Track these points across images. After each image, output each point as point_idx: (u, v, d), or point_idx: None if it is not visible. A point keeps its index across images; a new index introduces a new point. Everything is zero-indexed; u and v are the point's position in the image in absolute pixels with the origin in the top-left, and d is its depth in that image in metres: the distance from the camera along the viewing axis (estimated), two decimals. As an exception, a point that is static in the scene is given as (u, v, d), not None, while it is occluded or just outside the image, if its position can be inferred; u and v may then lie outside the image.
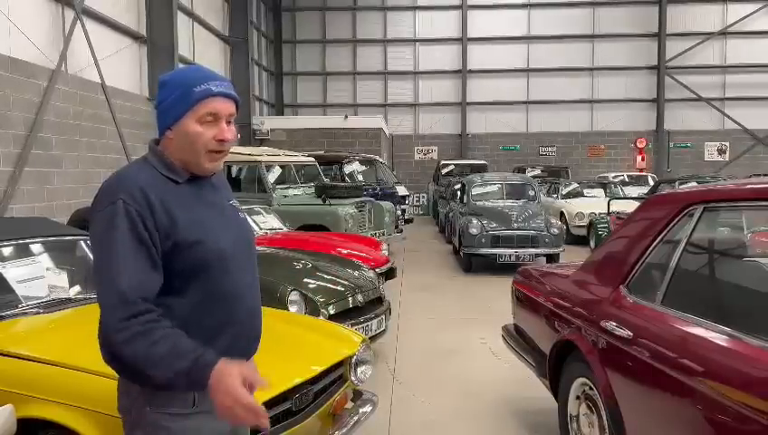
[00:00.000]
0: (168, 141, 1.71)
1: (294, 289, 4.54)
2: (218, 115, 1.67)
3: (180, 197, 1.66)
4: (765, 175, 16.32)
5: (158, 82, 1.75)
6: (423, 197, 22.67)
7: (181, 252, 1.61)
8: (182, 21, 14.30)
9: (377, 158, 16.26)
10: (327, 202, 9.54)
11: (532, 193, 11.30)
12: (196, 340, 1.63)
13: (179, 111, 1.66)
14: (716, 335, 2.21)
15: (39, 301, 3.20)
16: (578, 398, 3.20)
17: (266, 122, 19.80)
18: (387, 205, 11.29)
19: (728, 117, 23.43)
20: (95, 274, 1.59)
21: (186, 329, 1.62)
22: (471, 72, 23.91)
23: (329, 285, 4.95)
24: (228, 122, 1.71)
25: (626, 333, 2.62)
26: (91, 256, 1.71)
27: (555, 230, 9.95)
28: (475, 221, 10.00)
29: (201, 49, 16.11)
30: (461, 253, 10.37)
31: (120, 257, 1.54)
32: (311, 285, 4.82)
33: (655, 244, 2.80)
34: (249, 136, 18.89)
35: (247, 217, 2.01)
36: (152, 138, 1.79)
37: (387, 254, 7.32)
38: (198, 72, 1.73)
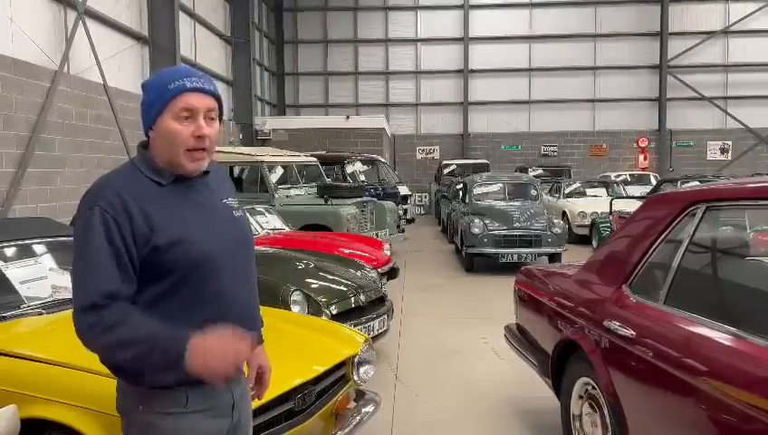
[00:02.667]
0: (152, 142, 1.70)
1: (297, 289, 4.55)
2: (194, 111, 1.64)
3: (163, 199, 1.65)
4: (768, 174, 16.29)
5: (141, 85, 1.75)
6: (425, 196, 22.66)
7: (163, 254, 1.60)
8: (184, 21, 14.31)
9: (379, 158, 16.26)
10: (329, 202, 9.55)
11: (534, 193, 11.28)
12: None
13: (156, 109, 1.64)
14: (720, 335, 2.21)
15: (41, 301, 3.21)
16: (580, 397, 3.20)
17: (268, 123, 19.81)
18: (389, 205, 11.28)
19: (730, 116, 23.38)
20: (71, 276, 1.62)
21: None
22: (473, 71, 23.89)
23: (331, 286, 4.96)
24: (211, 118, 1.68)
25: (629, 332, 2.62)
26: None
27: (557, 230, 9.94)
28: (477, 221, 10.00)
29: (203, 49, 16.12)
30: (463, 253, 10.36)
31: (90, 265, 1.55)
32: (313, 286, 4.82)
33: (657, 243, 2.79)
34: (251, 136, 18.89)
35: (247, 215, 1.99)
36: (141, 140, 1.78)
37: (389, 254, 7.32)
38: (176, 71, 1.70)
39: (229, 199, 1.83)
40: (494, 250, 9.78)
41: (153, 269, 1.60)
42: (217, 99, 1.71)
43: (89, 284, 1.54)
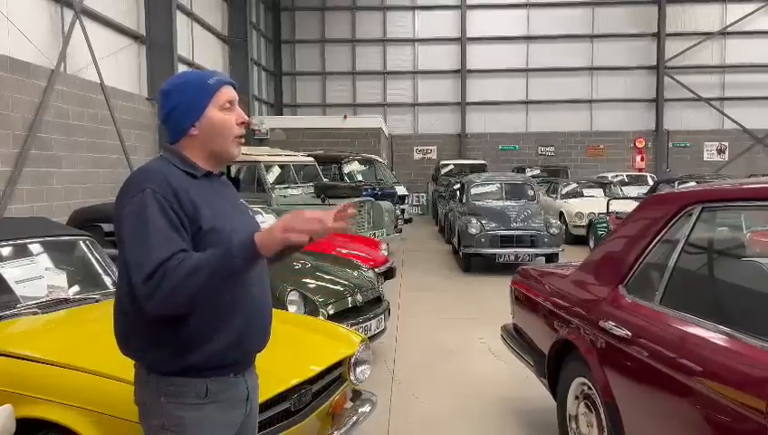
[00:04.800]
0: (191, 141, 1.79)
1: (294, 289, 4.54)
2: (233, 101, 1.82)
3: (200, 189, 1.75)
4: (764, 175, 16.31)
5: (161, 92, 1.82)
6: (422, 196, 22.65)
7: (203, 238, 1.69)
8: (181, 21, 14.30)
9: (376, 157, 16.25)
10: (326, 202, 9.54)
11: (531, 193, 11.30)
12: (208, 326, 1.71)
13: (202, 104, 1.76)
14: (715, 335, 2.21)
15: (38, 301, 3.20)
16: (576, 397, 3.20)
17: (265, 122, 19.78)
18: (386, 205, 11.27)
19: (727, 117, 23.43)
20: (128, 255, 1.62)
21: (200, 313, 1.68)
22: (470, 71, 23.90)
23: (328, 285, 4.95)
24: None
25: (624, 332, 2.63)
26: (110, 249, 1.72)
27: (554, 230, 9.95)
28: (474, 221, 10.00)
29: (200, 49, 16.10)
30: (460, 253, 10.36)
31: (151, 235, 1.59)
32: (310, 285, 4.82)
33: (653, 244, 2.80)
34: (248, 136, 18.87)
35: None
36: (164, 141, 1.88)
37: (386, 254, 7.32)
38: (200, 71, 1.88)
39: (242, 200, 1.99)
40: (490, 250, 9.78)
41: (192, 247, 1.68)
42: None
43: (153, 252, 1.57)
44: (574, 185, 15.68)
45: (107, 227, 5.43)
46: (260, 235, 1.58)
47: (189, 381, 1.71)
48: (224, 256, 1.57)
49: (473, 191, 11.32)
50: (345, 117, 20.09)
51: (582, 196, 14.69)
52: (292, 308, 4.38)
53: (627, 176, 19.60)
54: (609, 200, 11.85)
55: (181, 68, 13.43)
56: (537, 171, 20.43)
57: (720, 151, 23.82)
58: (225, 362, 1.76)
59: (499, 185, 11.55)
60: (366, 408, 3.23)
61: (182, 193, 1.68)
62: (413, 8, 24.19)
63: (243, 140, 1.85)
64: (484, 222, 9.99)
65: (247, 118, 1.86)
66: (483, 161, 20.68)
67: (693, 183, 10.96)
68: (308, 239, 1.59)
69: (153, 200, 1.63)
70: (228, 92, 1.80)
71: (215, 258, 1.57)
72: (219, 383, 1.75)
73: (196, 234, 1.69)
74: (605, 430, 2.85)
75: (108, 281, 3.61)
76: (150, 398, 1.74)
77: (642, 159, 22.69)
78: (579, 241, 12.63)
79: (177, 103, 1.77)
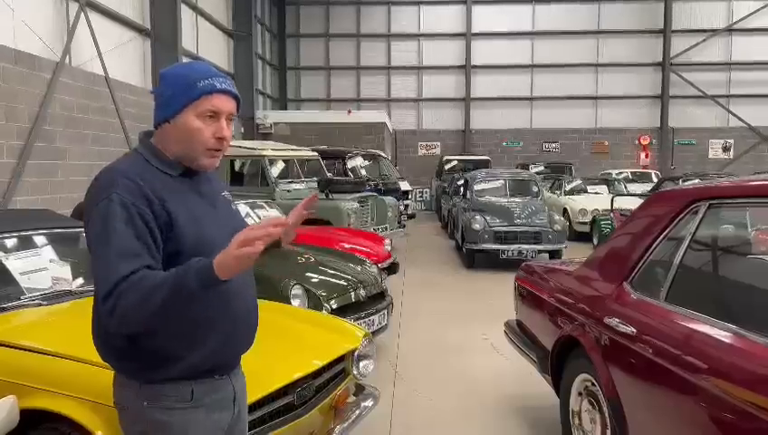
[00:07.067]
0: (165, 133, 1.70)
1: (297, 283, 4.55)
2: (219, 112, 1.67)
3: (175, 190, 1.65)
4: (770, 173, 16.19)
5: (159, 74, 1.74)
6: (426, 192, 22.63)
7: (176, 242, 1.61)
8: (186, 14, 14.28)
9: (380, 153, 16.24)
10: (330, 197, 9.53)
11: (535, 189, 11.28)
12: (190, 336, 1.64)
13: (181, 103, 1.65)
14: (720, 332, 2.20)
15: (42, 293, 3.21)
16: (580, 394, 3.20)
17: (269, 116, 19.77)
18: (389, 200, 11.27)
19: (733, 114, 23.32)
20: (93, 267, 1.56)
21: (180, 324, 1.61)
22: (475, 67, 23.83)
23: (331, 280, 4.96)
24: (229, 120, 1.71)
25: (629, 329, 2.62)
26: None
27: (558, 227, 9.93)
28: (477, 217, 9.99)
29: (205, 42, 16.09)
30: (464, 249, 10.36)
31: (113, 249, 1.51)
32: (313, 280, 4.82)
33: (659, 240, 2.78)
34: (252, 130, 18.88)
35: (239, 209, 2.00)
36: (142, 130, 1.77)
37: (389, 249, 7.31)
38: (202, 67, 1.74)
39: (226, 193, 1.88)
40: (494, 246, 9.77)
41: (164, 262, 1.60)
42: (238, 102, 1.74)
43: (112, 268, 1.49)
44: (578, 181, 15.66)
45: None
46: (219, 257, 1.45)
47: (173, 384, 1.65)
48: (182, 278, 1.46)
49: (476, 187, 11.31)
50: (349, 112, 20.08)
51: (586, 192, 14.68)
52: (295, 302, 4.38)
53: (631, 173, 19.55)
54: (613, 197, 11.82)
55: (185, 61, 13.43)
56: (541, 168, 20.37)
57: (725, 149, 23.73)
58: (209, 367, 1.70)
59: (503, 181, 11.54)
60: (368, 402, 3.23)
61: (152, 195, 1.58)
62: (418, 3, 24.10)
63: (218, 153, 1.71)
64: (487, 218, 9.98)
65: (226, 134, 1.68)
66: (487, 157, 20.67)
67: (696, 181, 10.93)
68: (262, 247, 1.46)
69: (119, 207, 1.53)
70: (215, 102, 1.66)
71: (173, 280, 1.47)
72: (204, 385, 1.69)
73: (167, 239, 1.60)
74: (608, 426, 2.85)
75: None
76: (131, 402, 1.67)
77: (647, 157, 22.60)
78: (582, 238, 12.61)
79: (164, 91, 1.68)
